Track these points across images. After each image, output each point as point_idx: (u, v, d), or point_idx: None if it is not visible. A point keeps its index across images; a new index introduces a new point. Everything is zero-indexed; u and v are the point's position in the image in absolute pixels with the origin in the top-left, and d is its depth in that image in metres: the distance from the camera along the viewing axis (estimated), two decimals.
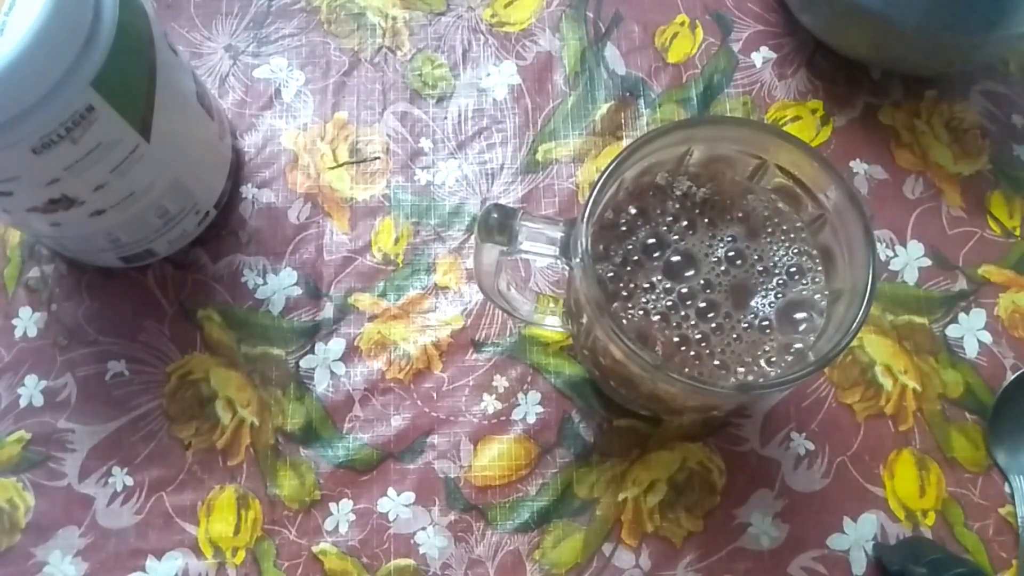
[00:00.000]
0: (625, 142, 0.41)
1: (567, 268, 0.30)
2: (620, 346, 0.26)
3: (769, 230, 0.30)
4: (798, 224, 0.29)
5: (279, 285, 0.39)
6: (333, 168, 0.41)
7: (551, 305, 0.35)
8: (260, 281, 0.39)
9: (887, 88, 0.42)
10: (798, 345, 0.28)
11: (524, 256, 0.28)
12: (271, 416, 0.37)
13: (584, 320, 0.29)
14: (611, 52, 0.43)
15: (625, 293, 0.29)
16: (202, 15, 0.43)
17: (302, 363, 0.38)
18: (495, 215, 0.27)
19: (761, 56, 0.43)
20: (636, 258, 0.29)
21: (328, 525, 0.36)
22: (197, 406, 0.37)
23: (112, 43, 0.27)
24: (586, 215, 0.26)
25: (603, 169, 0.27)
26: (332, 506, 0.36)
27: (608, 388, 0.35)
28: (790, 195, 0.29)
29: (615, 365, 0.29)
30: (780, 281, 0.29)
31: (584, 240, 0.26)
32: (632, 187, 0.29)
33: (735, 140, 0.28)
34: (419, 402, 0.37)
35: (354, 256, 0.39)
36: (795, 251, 0.29)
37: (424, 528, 0.36)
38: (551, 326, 0.36)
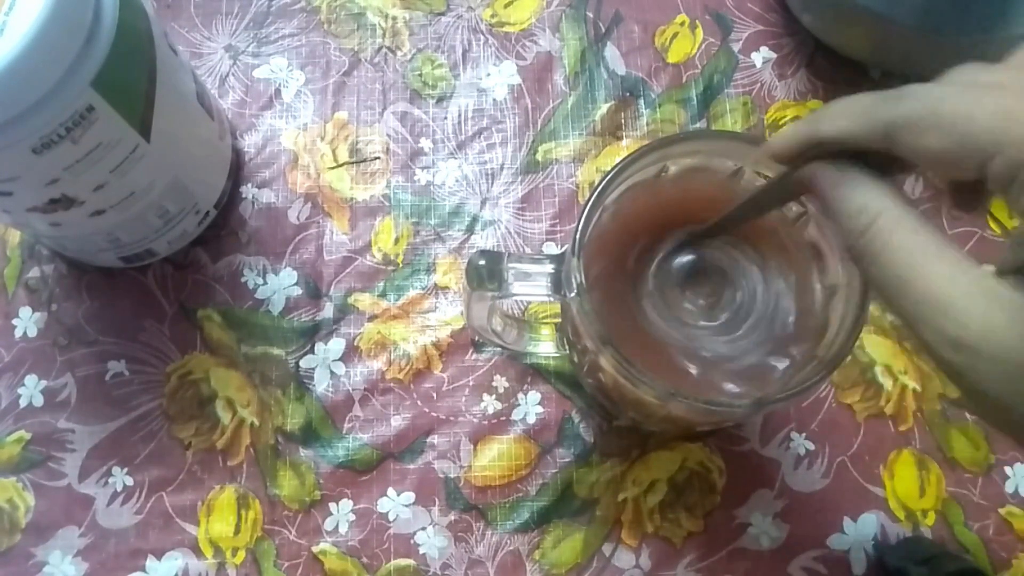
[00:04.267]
0: (625, 142, 0.41)
1: (559, 300, 0.29)
2: (629, 377, 0.25)
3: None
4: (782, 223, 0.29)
5: (279, 285, 0.39)
6: (333, 168, 0.41)
7: (544, 332, 0.35)
8: (260, 281, 0.39)
9: (887, 88, 0.42)
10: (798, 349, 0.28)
11: (515, 298, 0.28)
12: (271, 416, 0.37)
13: (585, 346, 0.29)
14: (611, 52, 0.43)
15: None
16: (202, 15, 0.43)
17: (302, 363, 0.38)
18: (482, 262, 0.27)
19: (761, 56, 0.43)
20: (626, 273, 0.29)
21: (328, 525, 0.36)
22: (197, 406, 0.37)
23: (112, 43, 0.27)
24: (576, 249, 0.26)
25: (584, 202, 0.26)
26: (332, 506, 0.36)
27: (617, 411, 0.35)
28: None
29: (625, 392, 0.29)
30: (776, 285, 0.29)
31: (578, 275, 0.26)
32: (614, 210, 0.29)
33: (709, 153, 0.28)
34: (419, 402, 0.37)
35: (354, 256, 0.39)
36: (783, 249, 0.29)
37: (424, 528, 0.36)
38: (547, 353, 0.36)
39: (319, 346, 0.38)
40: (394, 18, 0.44)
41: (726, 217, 0.26)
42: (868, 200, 0.19)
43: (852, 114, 0.19)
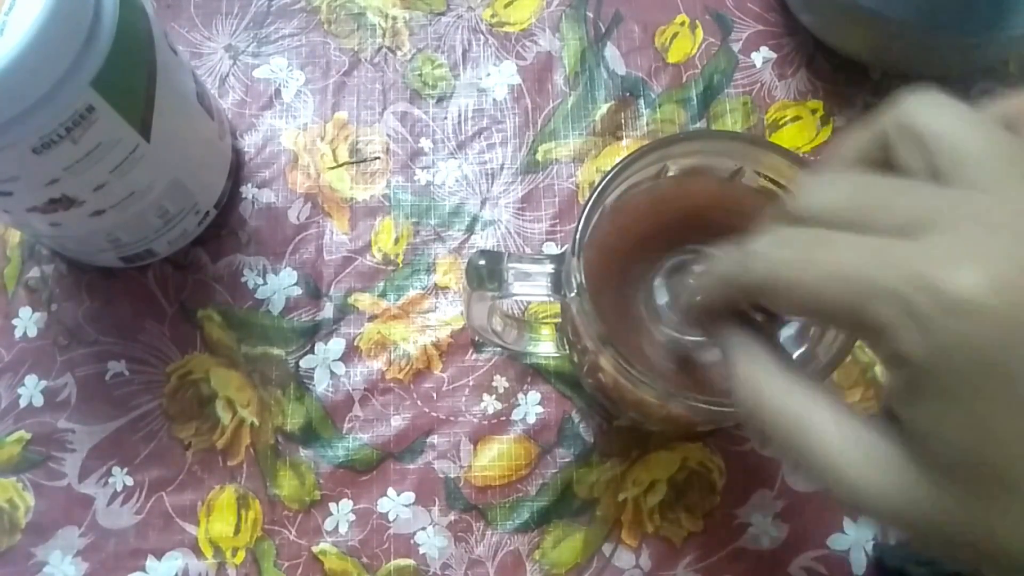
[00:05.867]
0: (625, 142, 0.41)
1: (559, 300, 0.29)
2: (629, 377, 0.25)
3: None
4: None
5: (279, 285, 0.39)
6: (333, 168, 0.41)
7: (544, 332, 0.35)
8: (260, 281, 0.39)
9: (887, 88, 0.42)
10: (800, 351, 0.28)
11: (515, 298, 0.28)
12: (271, 416, 0.37)
13: (585, 346, 0.29)
14: (611, 52, 0.43)
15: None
16: (202, 15, 0.43)
17: (302, 363, 0.38)
18: (482, 262, 0.27)
19: (761, 56, 0.43)
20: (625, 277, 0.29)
21: (328, 525, 0.36)
22: (197, 406, 0.37)
23: (112, 43, 0.27)
24: (576, 249, 0.26)
25: (584, 202, 0.26)
26: (332, 506, 0.36)
27: (617, 411, 0.35)
28: (770, 196, 0.29)
29: (625, 392, 0.29)
30: None
31: (578, 275, 0.26)
32: (614, 210, 0.29)
33: (709, 153, 0.28)
34: (419, 402, 0.37)
35: (354, 256, 0.39)
36: None
37: (424, 528, 0.36)
38: (547, 353, 0.36)
39: (319, 346, 0.38)
40: (394, 18, 0.44)
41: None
42: (732, 357, 0.20)
43: (712, 285, 0.20)
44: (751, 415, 0.19)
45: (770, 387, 0.18)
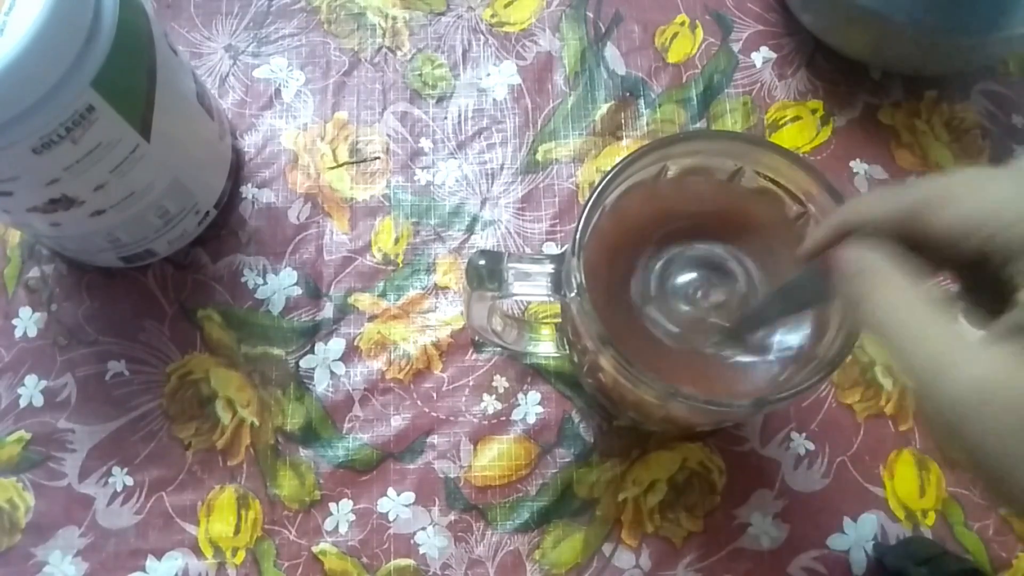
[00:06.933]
0: (625, 142, 0.41)
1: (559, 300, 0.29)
2: (629, 377, 0.25)
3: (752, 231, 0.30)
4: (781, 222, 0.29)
5: (279, 285, 0.39)
6: (333, 168, 0.41)
7: (544, 332, 0.35)
8: (260, 281, 0.39)
9: (887, 88, 0.42)
10: (798, 348, 0.28)
11: (515, 298, 0.28)
12: (271, 416, 0.37)
13: (585, 346, 0.29)
14: (611, 52, 0.43)
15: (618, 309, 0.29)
16: (202, 15, 0.43)
17: (302, 363, 0.38)
18: (482, 262, 0.27)
19: (761, 56, 0.43)
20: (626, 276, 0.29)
21: (328, 525, 0.36)
22: (197, 406, 0.37)
23: (112, 43, 0.27)
24: (576, 249, 0.26)
25: (584, 202, 0.26)
26: (332, 506, 0.36)
27: (617, 411, 0.35)
28: (770, 196, 0.29)
29: (625, 392, 0.29)
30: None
31: (578, 275, 0.26)
32: (614, 210, 0.29)
33: (709, 153, 0.28)
34: (419, 402, 0.37)
35: (354, 256, 0.39)
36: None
37: (424, 528, 0.36)
38: (547, 353, 0.36)
39: (319, 346, 0.38)
40: (394, 18, 0.44)
41: (758, 313, 0.27)
42: (864, 254, 0.20)
43: (878, 200, 0.21)
44: (855, 300, 0.19)
45: (888, 283, 0.19)
